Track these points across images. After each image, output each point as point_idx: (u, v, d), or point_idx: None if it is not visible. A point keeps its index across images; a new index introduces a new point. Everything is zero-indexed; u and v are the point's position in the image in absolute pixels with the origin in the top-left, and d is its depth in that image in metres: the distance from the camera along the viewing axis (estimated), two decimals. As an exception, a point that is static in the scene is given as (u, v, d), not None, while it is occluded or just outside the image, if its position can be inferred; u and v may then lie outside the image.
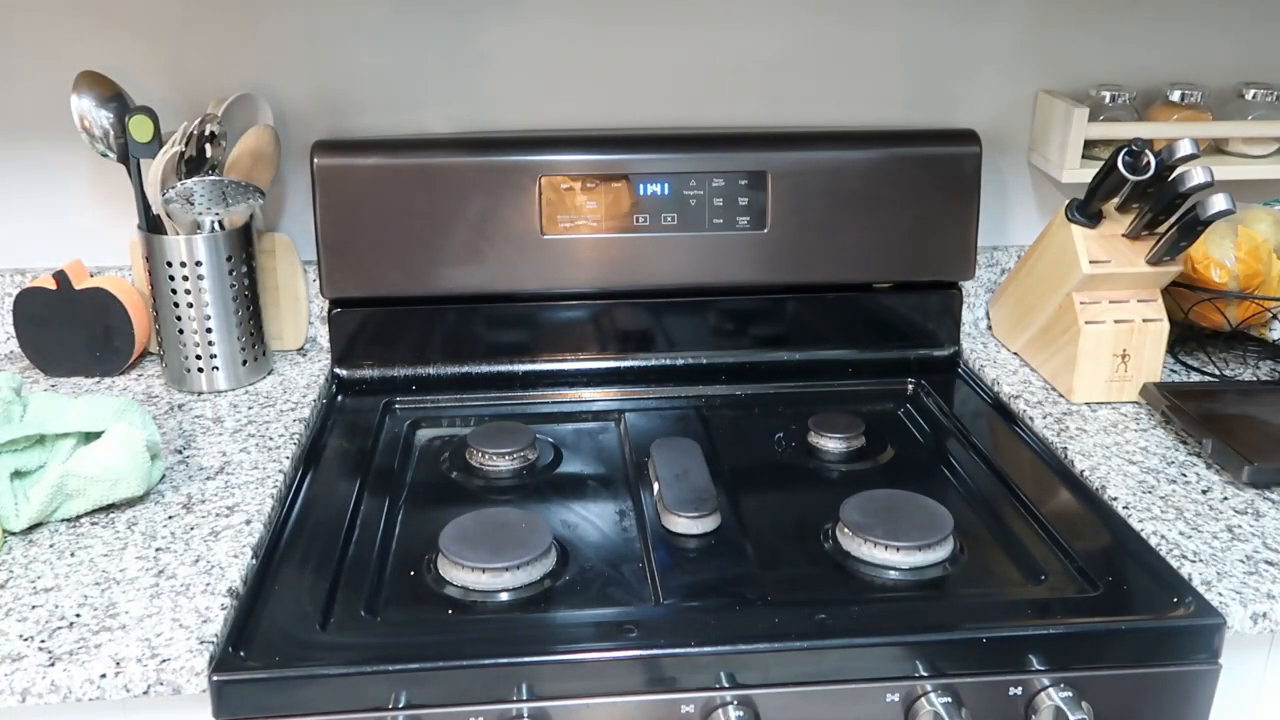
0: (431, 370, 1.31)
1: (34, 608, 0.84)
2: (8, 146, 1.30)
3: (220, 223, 1.21)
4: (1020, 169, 1.42)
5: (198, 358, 1.22)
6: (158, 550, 0.92)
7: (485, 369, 1.31)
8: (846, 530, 0.96)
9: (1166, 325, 1.20)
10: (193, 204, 1.18)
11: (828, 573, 0.94)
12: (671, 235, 1.27)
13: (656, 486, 1.03)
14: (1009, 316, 1.36)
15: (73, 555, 0.91)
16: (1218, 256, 1.25)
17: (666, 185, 1.26)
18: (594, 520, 1.02)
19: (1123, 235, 1.20)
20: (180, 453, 1.09)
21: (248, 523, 0.96)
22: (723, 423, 1.22)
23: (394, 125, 1.32)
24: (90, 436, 0.99)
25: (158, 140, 1.17)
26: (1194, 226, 1.11)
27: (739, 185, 1.27)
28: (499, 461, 1.11)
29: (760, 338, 1.34)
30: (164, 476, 1.03)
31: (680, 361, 1.33)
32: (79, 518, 0.97)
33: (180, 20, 1.27)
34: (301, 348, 1.36)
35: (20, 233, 1.33)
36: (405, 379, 1.30)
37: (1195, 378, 1.27)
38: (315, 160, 1.23)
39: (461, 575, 0.90)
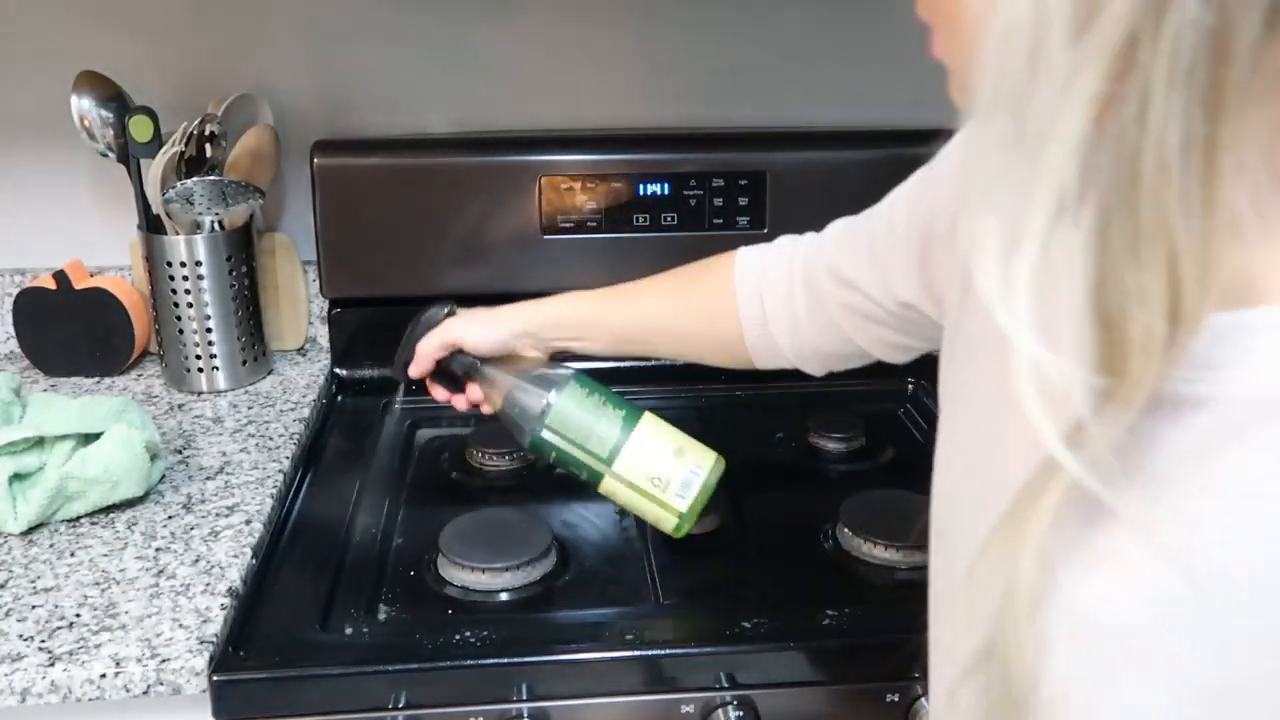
0: (431, 370, 1.30)
1: (34, 608, 0.84)
2: (8, 146, 1.30)
3: (220, 223, 1.21)
4: (1020, 169, 1.42)
5: (198, 358, 1.22)
6: (158, 550, 0.92)
7: (485, 369, 1.31)
8: (846, 530, 0.96)
9: (1166, 325, 1.19)
10: (193, 204, 1.18)
11: (828, 573, 0.94)
12: (671, 235, 1.27)
13: (656, 486, 1.03)
14: (1009, 316, 1.36)
15: (73, 555, 0.91)
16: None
17: (666, 185, 1.26)
18: (594, 520, 1.02)
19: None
20: (180, 453, 1.09)
21: (248, 523, 0.96)
22: (723, 423, 1.22)
23: (394, 125, 1.32)
24: (90, 437, 0.99)
25: (158, 140, 1.17)
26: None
27: (739, 185, 1.26)
28: (499, 461, 1.11)
29: (760, 338, 1.34)
30: (164, 476, 1.03)
31: (680, 361, 1.33)
32: (79, 518, 0.97)
33: (180, 20, 1.27)
34: (301, 348, 1.36)
35: (20, 233, 1.33)
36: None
37: (1195, 378, 1.27)
38: (315, 160, 1.23)
39: (461, 575, 0.90)
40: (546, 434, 0.87)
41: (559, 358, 0.95)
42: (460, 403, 0.94)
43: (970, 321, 0.60)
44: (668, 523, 0.87)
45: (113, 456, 0.95)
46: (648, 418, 0.88)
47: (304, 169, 1.25)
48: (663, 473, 0.86)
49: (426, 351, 0.91)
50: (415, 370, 0.93)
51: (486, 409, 0.93)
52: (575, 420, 0.87)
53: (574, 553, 0.96)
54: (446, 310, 0.94)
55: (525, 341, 0.93)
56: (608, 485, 0.87)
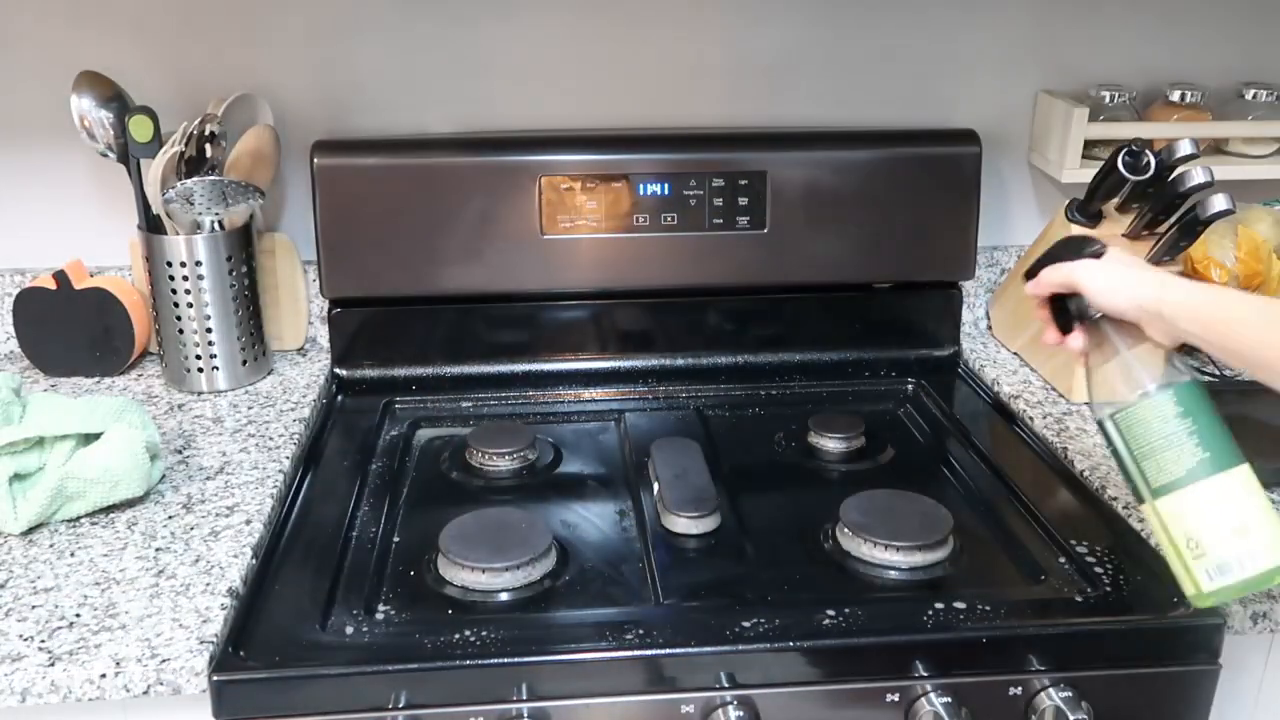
0: (431, 370, 1.31)
1: (34, 608, 0.84)
2: (8, 146, 1.30)
3: (220, 223, 1.21)
4: (1020, 169, 1.42)
5: (198, 358, 1.22)
6: (158, 550, 0.92)
7: (485, 369, 1.31)
8: (846, 530, 0.96)
9: (1167, 325, 1.19)
10: (193, 204, 1.18)
11: (828, 573, 0.94)
12: (671, 235, 1.27)
13: (656, 486, 1.03)
14: (1009, 316, 1.36)
15: (73, 555, 0.91)
16: (1218, 256, 1.25)
17: (666, 185, 1.26)
18: (594, 520, 1.02)
19: (1123, 235, 1.20)
20: (180, 453, 1.09)
21: (248, 523, 0.96)
22: (723, 423, 1.22)
23: (394, 125, 1.32)
24: (90, 437, 0.99)
25: (158, 140, 1.17)
26: (1194, 226, 1.11)
27: (738, 185, 1.26)
28: (499, 461, 1.11)
29: (760, 338, 1.34)
30: (164, 476, 1.03)
31: (680, 361, 1.33)
32: (79, 518, 0.97)
33: (180, 20, 1.27)
34: (301, 348, 1.36)
35: (20, 233, 1.33)
36: (405, 379, 1.30)
37: (1195, 378, 1.27)
38: (315, 160, 1.23)
39: (461, 575, 0.90)
40: (1109, 425, 0.81)
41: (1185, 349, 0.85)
42: (1051, 337, 0.88)
43: None
44: (1185, 588, 0.78)
45: (113, 456, 0.95)
46: (1234, 475, 0.76)
47: (304, 169, 1.25)
48: (1206, 541, 0.75)
49: (1048, 280, 0.86)
50: (1031, 288, 0.88)
51: (1079, 360, 0.86)
52: (1146, 432, 0.78)
53: (574, 553, 0.96)
54: (1096, 248, 0.84)
55: (1150, 320, 0.80)
56: (1146, 510, 0.80)
